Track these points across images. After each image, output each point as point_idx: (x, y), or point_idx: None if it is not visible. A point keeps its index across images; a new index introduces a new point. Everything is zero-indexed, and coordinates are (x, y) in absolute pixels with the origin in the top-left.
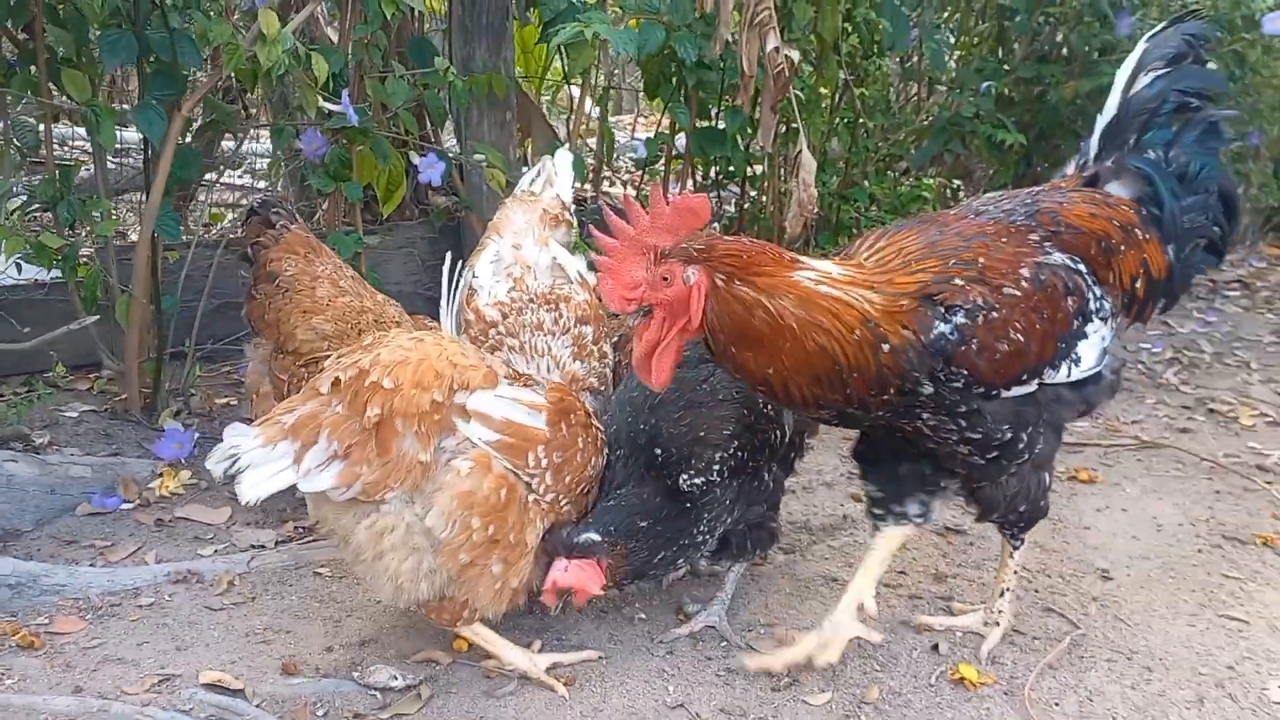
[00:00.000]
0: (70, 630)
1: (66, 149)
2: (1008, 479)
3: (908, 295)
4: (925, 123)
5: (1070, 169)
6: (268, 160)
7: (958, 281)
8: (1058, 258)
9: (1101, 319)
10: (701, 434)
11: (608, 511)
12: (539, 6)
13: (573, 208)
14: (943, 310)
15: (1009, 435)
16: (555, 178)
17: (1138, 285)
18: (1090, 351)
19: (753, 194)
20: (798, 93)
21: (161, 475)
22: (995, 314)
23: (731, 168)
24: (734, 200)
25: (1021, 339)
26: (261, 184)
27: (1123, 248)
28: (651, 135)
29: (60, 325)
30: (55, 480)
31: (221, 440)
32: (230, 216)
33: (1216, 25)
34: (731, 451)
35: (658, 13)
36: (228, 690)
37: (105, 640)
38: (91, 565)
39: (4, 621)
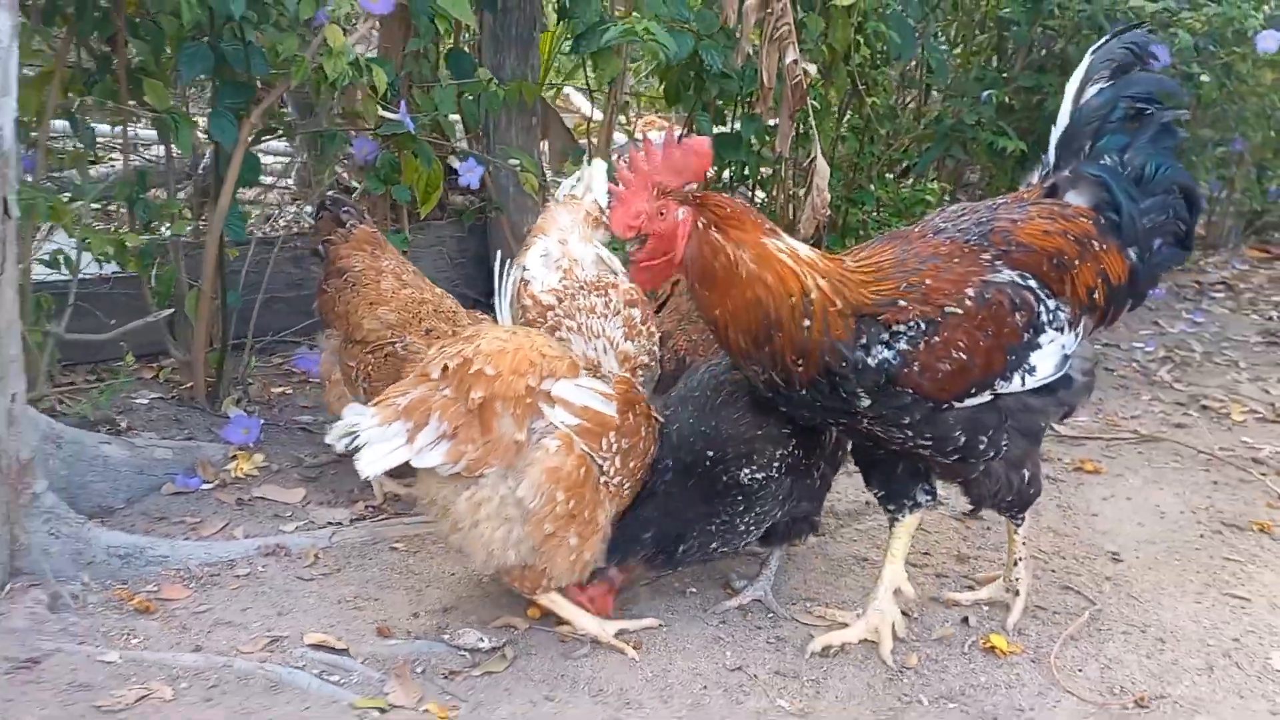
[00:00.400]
0: (178, 597)
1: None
2: (980, 477)
3: (853, 306)
4: (927, 129)
5: (1034, 178)
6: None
7: (902, 303)
8: (1005, 275)
9: (1057, 329)
10: (761, 431)
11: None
12: (571, 19)
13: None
14: (886, 334)
15: (964, 441)
16: (593, 185)
17: (1095, 295)
18: (1046, 360)
19: (762, 196)
20: (813, 102)
21: (236, 458)
22: (936, 337)
23: (745, 171)
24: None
25: (964, 357)
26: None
27: (1077, 262)
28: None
29: (121, 317)
30: (143, 462)
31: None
32: (269, 216)
33: (1209, 37)
34: (790, 449)
35: (688, 22)
36: (333, 649)
37: (212, 606)
38: (185, 539)
39: (118, 588)
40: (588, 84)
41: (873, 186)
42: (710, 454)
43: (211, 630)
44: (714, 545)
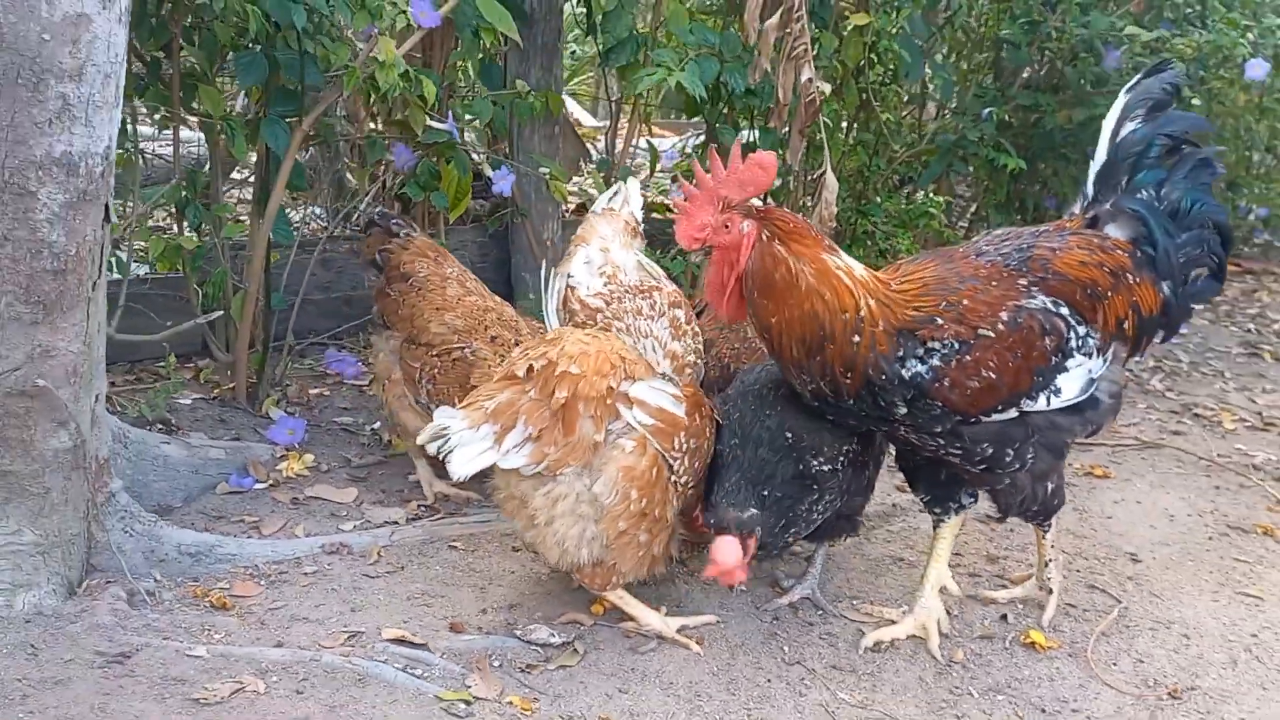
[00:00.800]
0: (250, 594)
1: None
2: (1008, 487)
3: (896, 323)
4: (930, 145)
5: (1076, 209)
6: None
7: (939, 321)
8: (1039, 301)
9: (1085, 354)
10: (829, 424)
11: (745, 488)
12: (603, 34)
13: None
14: (921, 350)
15: (991, 452)
16: (630, 198)
17: (1125, 325)
18: (1072, 383)
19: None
20: (825, 119)
21: (287, 458)
22: (968, 356)
23: None
24: None
25: (994, 376)
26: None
27: (1109, 293)
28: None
29: (158, 318)
30: (199, 461)
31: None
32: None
33: (1198, 64)
34: (854, 444)
35: (713, 46)
36: (412, 644)
37: (285, 603)
38: (250, 538)
39: (191, 585)
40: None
41: (878, 199)
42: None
43: (289, 626)
44: (791, 530)
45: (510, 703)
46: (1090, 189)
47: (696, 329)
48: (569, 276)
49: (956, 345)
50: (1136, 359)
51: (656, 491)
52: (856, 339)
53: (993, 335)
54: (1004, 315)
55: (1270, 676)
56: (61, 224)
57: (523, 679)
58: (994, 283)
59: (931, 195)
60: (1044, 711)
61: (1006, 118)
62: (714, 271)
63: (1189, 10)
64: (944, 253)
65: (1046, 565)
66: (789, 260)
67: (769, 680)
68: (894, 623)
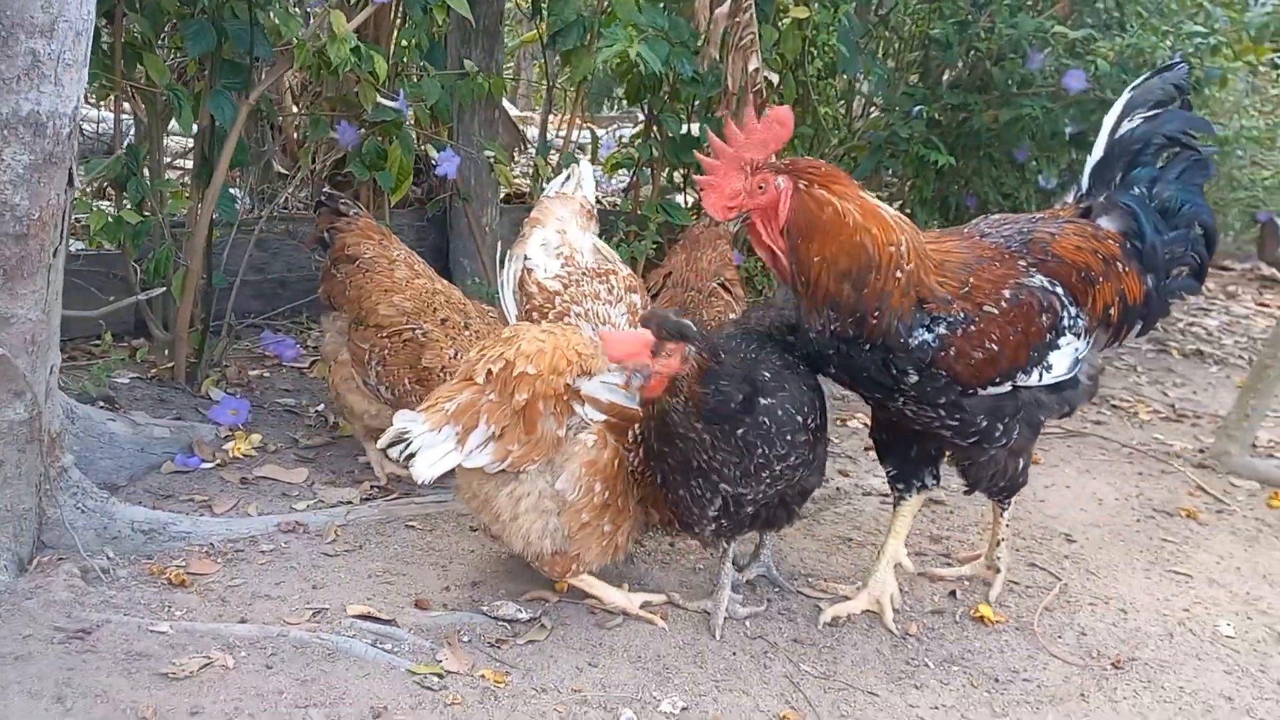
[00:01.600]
0: (208, 571)
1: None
2: (987, 460)
3: (920, 279)
4: (861, 141)
5: (1070, 198)
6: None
7: (948, 297)
8: (1038, 280)
9: (1075, 334)
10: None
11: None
12: (551, 16)
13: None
14: (928, 320)
15: (984, 424)
16: (583, 182)
17: (1111, 311)
18: (1062, 360)
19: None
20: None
21: (233, 439)
22: (973, 327)
23: (699, 173)
24: (695, 204)
25: (995, 348)
26: None
27: (1101, 279)
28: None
29: (91, 296)
30: (144, 440)
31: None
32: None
33: (1119, 66)
34: (820, 416)
35: (662, 30)
36: (380, 620)
37: (245, 580)
38: (203, 516)
39: (145, 563)
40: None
41: None
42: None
43: (251, 603)
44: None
45: (482, 676)
46: (1085, 181)
47: None
48: (525, 259)
49: (962, 318)
50: (1115, 346)
51: (619, 483)
52: (899, 274)
53: (996, 312)
54: (1006, 293)
55: (1203, 648)
56: (25, 186)
57: (492, 653)
58: (997, 263)
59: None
60: (997, 681)
61: (936, 116)
62: (759, 235)
63: (1110, 16)
64: (954, 232)
65: (999, 544)
66: (834, 201)
67: (734, 654)
68: (849, 599)
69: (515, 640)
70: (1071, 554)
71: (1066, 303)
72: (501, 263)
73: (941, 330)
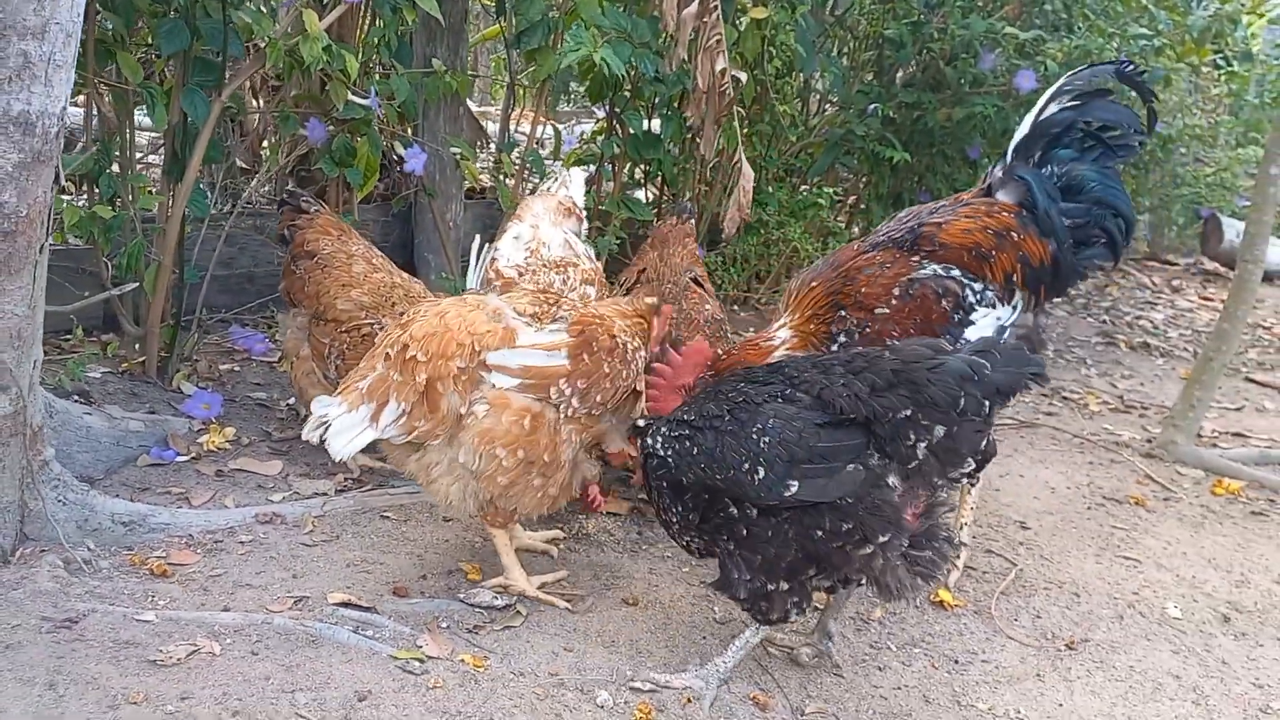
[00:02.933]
0: (189, 562)
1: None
2: None
3: (814, 335)
4: (817, 138)
5: (981, 180)
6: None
7: (841, 314)
8: (929, 270)
9: (988, 306)
10: None
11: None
12: (516, 16)
13: (584, 209)
14: (831, 334)
15: None
16: (570, 185)
17: (1015, 277)
18: (981, 334)
19: (672, 194)
20: (739, 109)
21: (207, 432)
22: (870, 328)
23: (659, 170)
24: (656, 200)
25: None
26: None
27: (994, 252)
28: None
29: (63, 289)
30: (119, 433)
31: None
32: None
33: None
34: None
35: (625, 31)
36: (361, 607)
37: (226, 570)
38: (181, 508)
39: (126, 554)
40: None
41: (770, 189)
42: None
43: (234, 592)
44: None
45: (462, 660)
46: (1009, 156)
47: None
48: (496, 249)
49: (855, 324)
50: (1037, 308)
51: (539, 439)
52: None
53: (888, 311)
54: (895, 291)
55: (1153, 629)
56: (14, 184)
57: (471, 639)
58: (888, 265)
59: (819, 187)
60: (956, 662)
61: (891, 114)
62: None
63: (1059, 18)
64: (829, 262)
65: (963, 529)
66: None
67: (704, 637)
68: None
69: (492, 626)
70: (1026, 540)
71: (967, 282)
72: (479, 253)
73: (842, 340)
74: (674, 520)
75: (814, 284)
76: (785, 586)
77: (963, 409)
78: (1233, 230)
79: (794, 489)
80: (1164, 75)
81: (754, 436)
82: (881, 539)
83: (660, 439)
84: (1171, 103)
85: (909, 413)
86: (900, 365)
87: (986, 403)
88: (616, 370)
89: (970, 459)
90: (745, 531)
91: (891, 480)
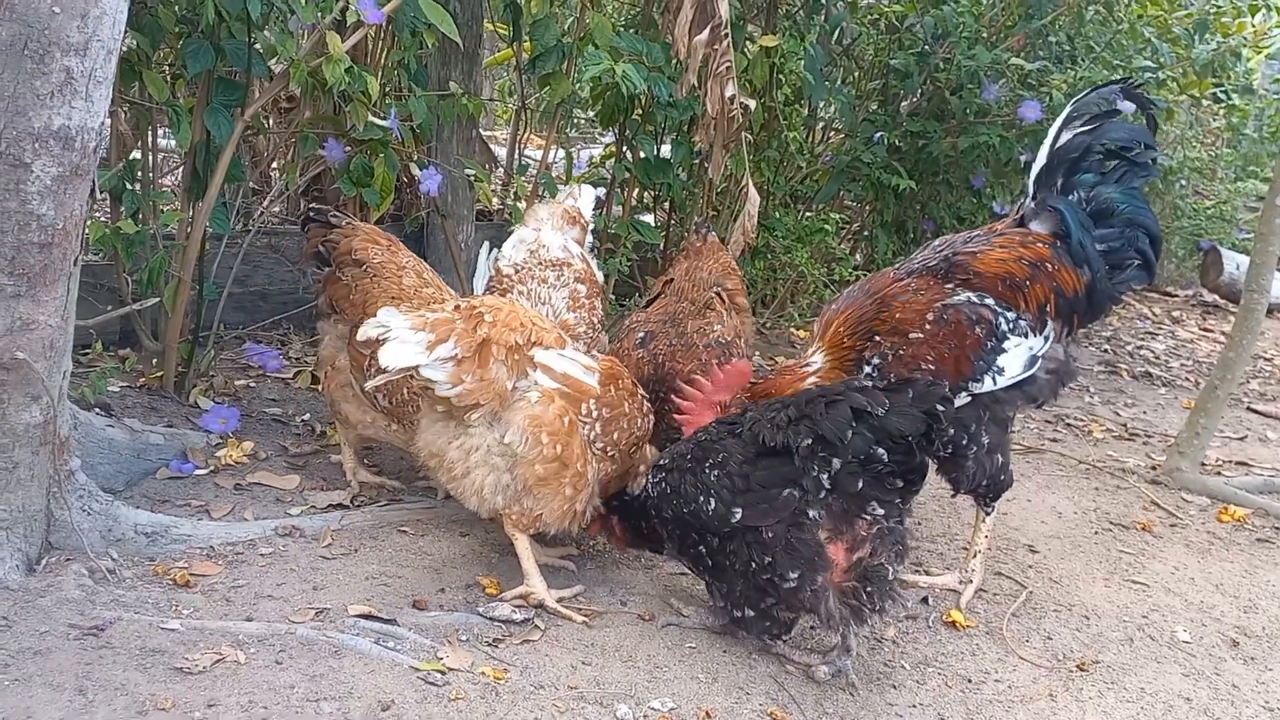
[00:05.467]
0: (211, 573)
1: None
2: (968, 464)
3: (844, 362)
4: (824, 165)
5: (1014, 210)
6: None
7: (876, 339)
8: (963, 297)
9: (1020, 335)
10: None
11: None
12: (531, 41)
13: (591, 220)
14: (865, 359)
15: (953, 434)
16: (580, 198)
17: (1048, 308)
18: (1014, 362)
19: (680, 219)
20: (748, 135)
21: (225, 446)
22: (904, 351)
23: (669, 194)
24: (664, 224)
25: (933, 366)
26: None
27: (1029, 282)
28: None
29: (81, 305)
30: (140, 446)
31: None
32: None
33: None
34: None
35: (639, 54)
36: (382, 619)
37: (248, 581)
38: (201, 520)
39: (149, 564)
40: (521, 99)
41: (777, 214)
42: None
43: (256, 603)
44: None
45: (483, 673)
46: (1031, 187)
47: (596, 304)
48: (499, 254)
49: (888, 348)
50: (1069, 338)
51: (574, 442)
52: None
53: (923, 336)
54: (930, 316)
55: (1162, 652)
56: (52, 197)
57: (490, 652)
58: (921, 292)
59: (825, 213)
60: (969, 682)
61: (896, 142)
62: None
63: (1063, 49)
64: (860, 288)
65: (975, 557)
66: None
67: (723, 653)
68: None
69: (511, 640)
70: (1035, 563)
71: (1000, 310)
72: (488, 258)
73: (876, 362)
74: (671, 552)
75: (848, 310)
76: (752, 613)
77: (849, 444)
78: (1232, 262)
79: (739, 516)
80: (1166, 107)
81: (706, 471)
82: (800, 573)
83: (649, 479)
84: (1172, 135)
85: (809, 442)
86: (811, 398)
87: (878, 448)
88: (633, 415)
89: (875, 500)
90: (711, 562)
91: (812, 514)
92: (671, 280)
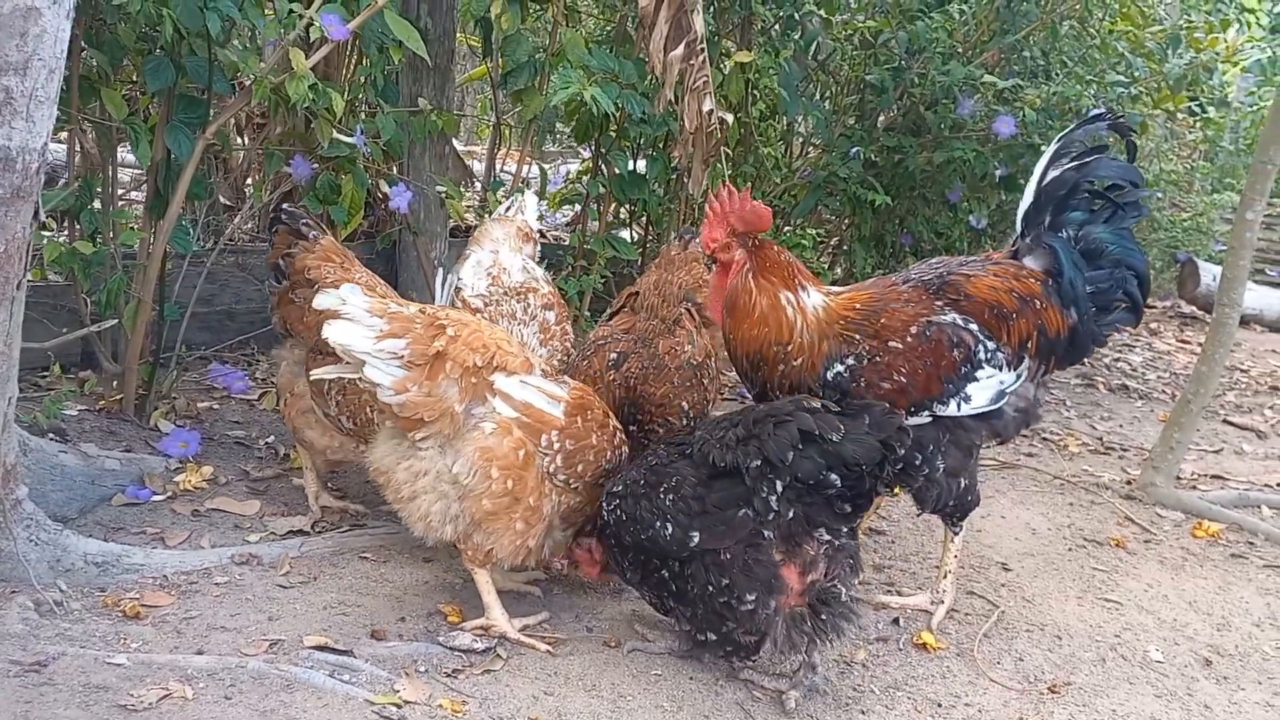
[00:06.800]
0: (162, 604)
1: None
2: (927, 483)
3: (828, 338)
4: (800, 180)
5: (1009, 243)
6: None
7: (857, 337)
8: (949, 317)
9: (995, 366)
10: None
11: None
12: (503, 57)
13: (538, 233)
14: (840, 355)
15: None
16: (525, 209)
17: (1029, 345)
18: (982, 393)
19: (657, 234)
20: (726, 149)
21: (184, 471)
22: (880, 359)
23: (645, 210)
24: (641, 239)
25: (904, 380)
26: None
27: (1015, 316)
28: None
29: (33, 329)
30: (95, 472)
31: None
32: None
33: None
34: None
35: (612, 72)
36: (337, 650)
37: (200, 612)
38: (156, 548)
39: (99, 595)
40: (496, 115)
41: None
42: None
43: (208, 635)
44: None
45: (440, 705)
46: (1019, 225)
47: (566, 329)
48: (459, 279)
49: (866, 352)
50: (1046, 376)
51: (528, 477)
52: (782, 366)
53: (902, 346)
54: (913, 329)
55: (1135, 673)
56: None
57: (449, 683)
58: (911, 304)
59: (803, 228)
60: (939, 706)
61: (873, 157)
62: (716, 280)
63: (1037, 65)
64: (879, 281)
65: (945, 577)
66: (753, 291)
67: (690, 679)
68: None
69: (471, 670)
70: (1008, 582)
71: (981, 338)
72: (444, 282)
73: (850, 363)
74: (631, 580)
75: (860, 297)
76: (714, 637)
77: (791, 465)
78: (1209, 274)
79: (697, 539)
80: (1140, 121)
81: (661, 495)
82: (756, 595)
83: (603, 505)
84: (1148, 149)
85: (758, 464)
86: (760, 416)
87: (830, 474)
88: (601, 447)
89: (823, 525)
90: (675, 587)
91: (768, 534)
92: (637, 293)
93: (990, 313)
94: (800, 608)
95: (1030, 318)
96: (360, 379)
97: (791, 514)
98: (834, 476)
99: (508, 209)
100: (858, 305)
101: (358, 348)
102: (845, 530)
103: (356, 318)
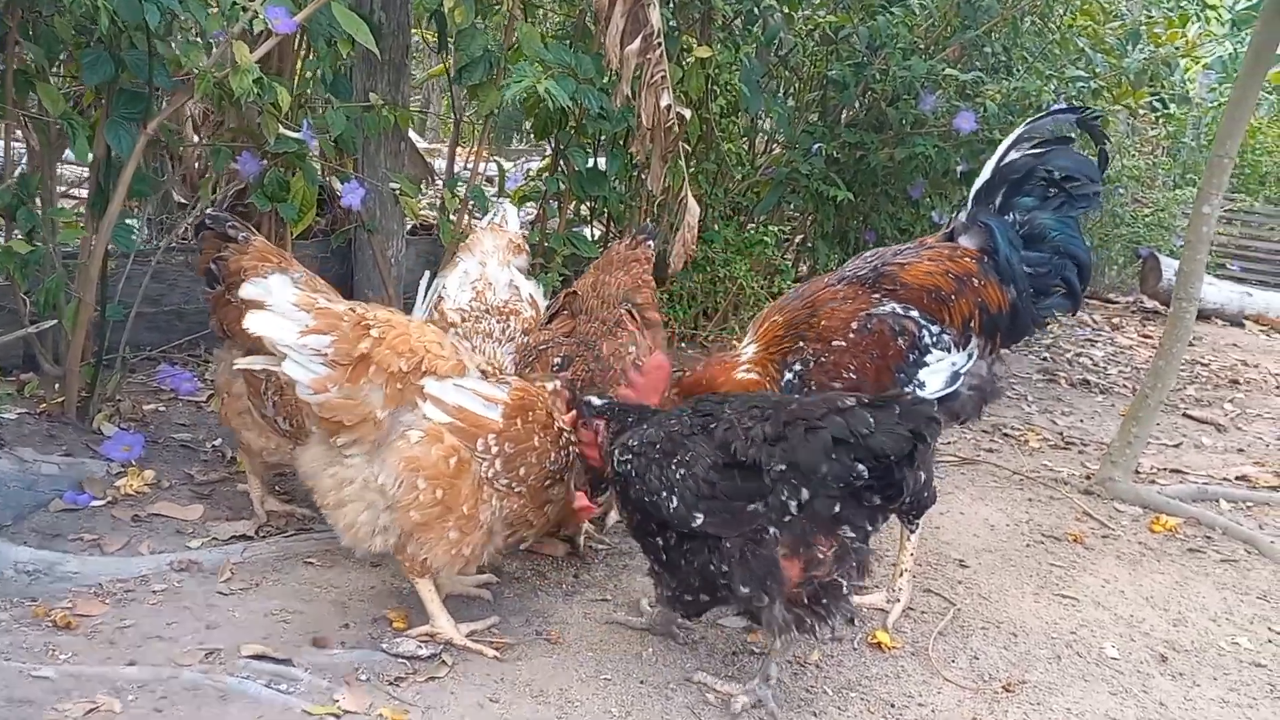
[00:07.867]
0: (96, 613)
1: None
2: None
3: (772, 362)
4: (763, 176)
5: (946, 225)
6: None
7: (800, 345)
8: (888, 308)
9: (943, 349)
10: None
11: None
12: (457, 51)
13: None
14: (787, 364)
15: None
16: (508, 218)
17: (973, 323)
18: (935, 377)
19: (619, 231)
20: (685, 144)
21: (125, 475)
22: (825, 359)
23: (605, 206)
24: (602, 237)
25: (854, 376)
26: None
27: (954, 296)
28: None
29: None
30: (31, 477)
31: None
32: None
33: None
34: None
35: (568, 67)
36: (276, 659)
37: (135, 621)
38: (92, 555)
39: (30, 605)
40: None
41: (716, 227)
42: None
43: (142, 645)
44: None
45: (380, 715)
46: (970, 201)
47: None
48: (443, 287)
49: (811, 355)
50: (992, 356)
51: (461, 486)
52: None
53: (845, 344)
54: (854, 325)
55: (1090, 670)
56: None
57: (392, 691)
58: (848, 300)
59: (765, 225)
60: (893, 706)
61: (835, 154)
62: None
63: (998, 60)
64: (797, 294)
65: (901, 576)
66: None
67: (640, 683)
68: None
69: (415, 677)
70: (965, 579)
71: (924, 323)
72: (428, 286)
73: (798, 368)
74: (626, 525)
75: (786, 309)
76: (690, 599)
77: (823, 476)
78: (1171, 269)
79: (700, 520)
80: (1101, 116)
81: (673, 467)
82: (752, 587)
83: (615, 453)
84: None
85: (783, 469)
86: (792, 419)
87: (859, 465)
88: (545, 448)
89: (848, 523)
90: (666, 557)
91: (773, 531)
92: (574, 293)
93: (929, 297)
94: (798, 594)
95: (970, 296)
96: (279, 372)
97: (812, 517)
98: (861, 468)
99: (494, 216)
100: (786, 318)
101: (280, 340)
102: (870, 529)
103: (281, 310)
